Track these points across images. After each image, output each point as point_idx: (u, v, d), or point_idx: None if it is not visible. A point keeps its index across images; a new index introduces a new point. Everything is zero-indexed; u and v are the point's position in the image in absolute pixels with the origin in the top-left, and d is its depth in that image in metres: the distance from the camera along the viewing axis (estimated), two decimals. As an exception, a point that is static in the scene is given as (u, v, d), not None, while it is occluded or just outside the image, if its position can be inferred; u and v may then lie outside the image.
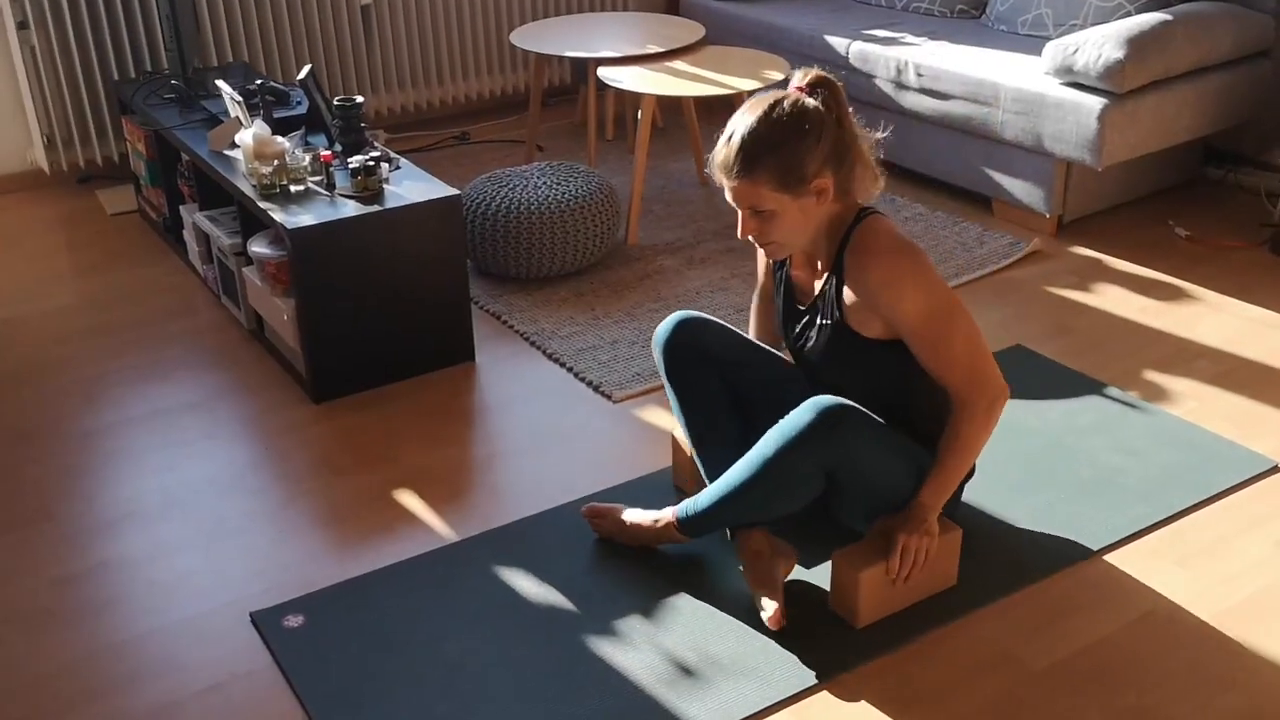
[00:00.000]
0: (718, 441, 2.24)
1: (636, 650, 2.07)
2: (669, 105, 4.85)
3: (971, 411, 2.02)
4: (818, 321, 2.12)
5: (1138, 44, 3.37)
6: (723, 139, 1.98)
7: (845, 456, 2.00)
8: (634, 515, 2.29)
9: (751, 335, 2.42)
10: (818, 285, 2.12)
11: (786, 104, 1.95)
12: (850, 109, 2.02)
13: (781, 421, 2.03)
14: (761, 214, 1.99)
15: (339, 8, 4.42)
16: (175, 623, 2.17)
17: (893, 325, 2.02)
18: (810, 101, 1.96)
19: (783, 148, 1.93)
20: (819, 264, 2.12)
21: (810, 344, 2.15)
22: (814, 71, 2.00)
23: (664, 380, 2.31)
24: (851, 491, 2.09)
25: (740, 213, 2.01)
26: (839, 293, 2.05)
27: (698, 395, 2.26)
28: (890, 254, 1.98)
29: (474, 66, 4.79)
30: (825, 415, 1.98)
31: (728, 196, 2.00)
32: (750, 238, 2.03)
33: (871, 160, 2.05)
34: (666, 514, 2.23)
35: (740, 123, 1.96)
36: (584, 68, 4.53)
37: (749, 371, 2.28)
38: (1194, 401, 2.78)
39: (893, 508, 2.11)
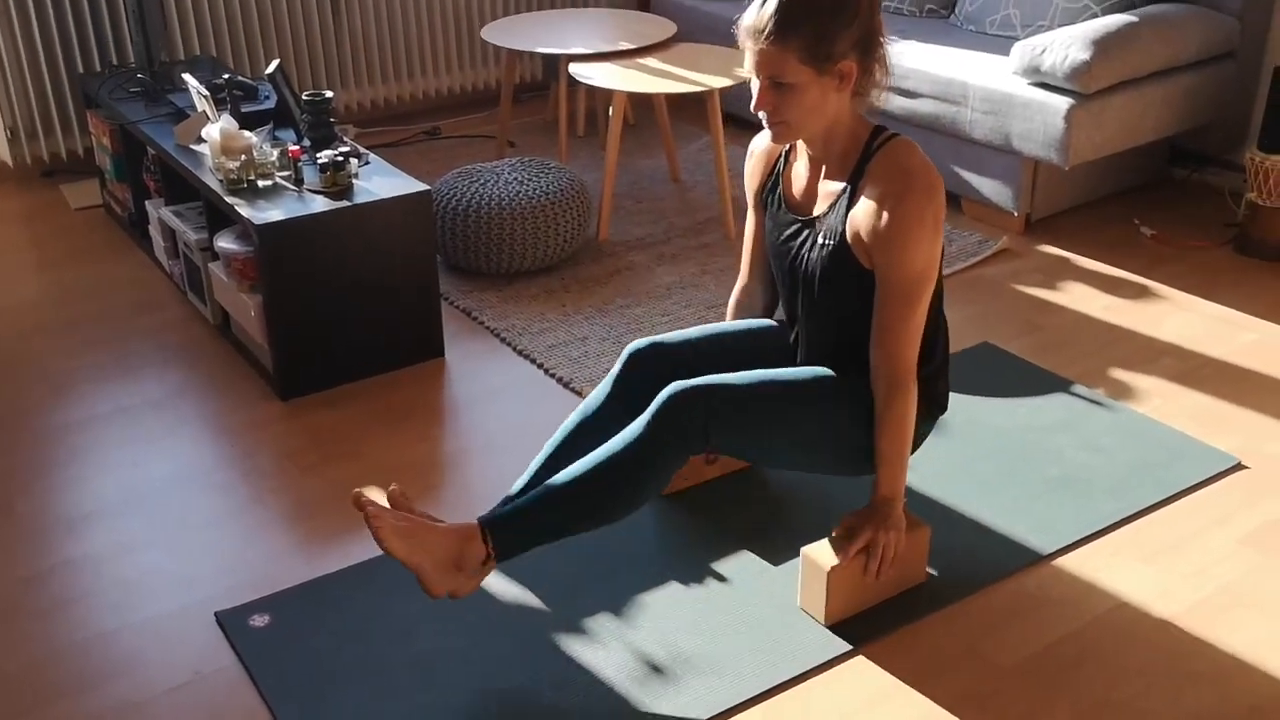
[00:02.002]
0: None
1: (605, 648, 2.07)
2: (640, 102, 4.85)
3: (906, 392, 2.01)
4: (818, 240, 2.07)
5: (1104, 45, 3.40)
6: (755, 4, 1.95)
7: (712, 433, 1.98)
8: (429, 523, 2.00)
9: (733, 303, 2.39)
10: (823, 197, 2.08)
11: None
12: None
13: (647, 412, 2.00)
14: (781, 87, 1.95)
15: (308, 1, 4.39)
16: (140, 621, 2.15)
17: (881, 266, 1.98)
18: None
19: (819, 18, 1.90)
20: (825, 170, 2.07)
21: (802, 260, 2.10)
22: None
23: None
24: (769, 454, 2.07)
25: (758, 84, 1.97)
26: (848, 209, 2.01)
27: None
28: (928, 194, 1.94)
29: (445, 61, 4.76)
30: (683, 394, 1.96)
31: (749, 64, 1.97)
32: (763, 113, 1.99)
33: (890, 66, 2.02)
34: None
35: None
36: (555, 64, 4.52)
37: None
38: (1159, 399, 2.80)
39: (826, 441, 2.08)
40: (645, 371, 2.19)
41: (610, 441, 2.01)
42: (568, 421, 2.20)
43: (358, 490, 1.92)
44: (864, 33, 1.95)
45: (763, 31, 1.92)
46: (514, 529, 1.97)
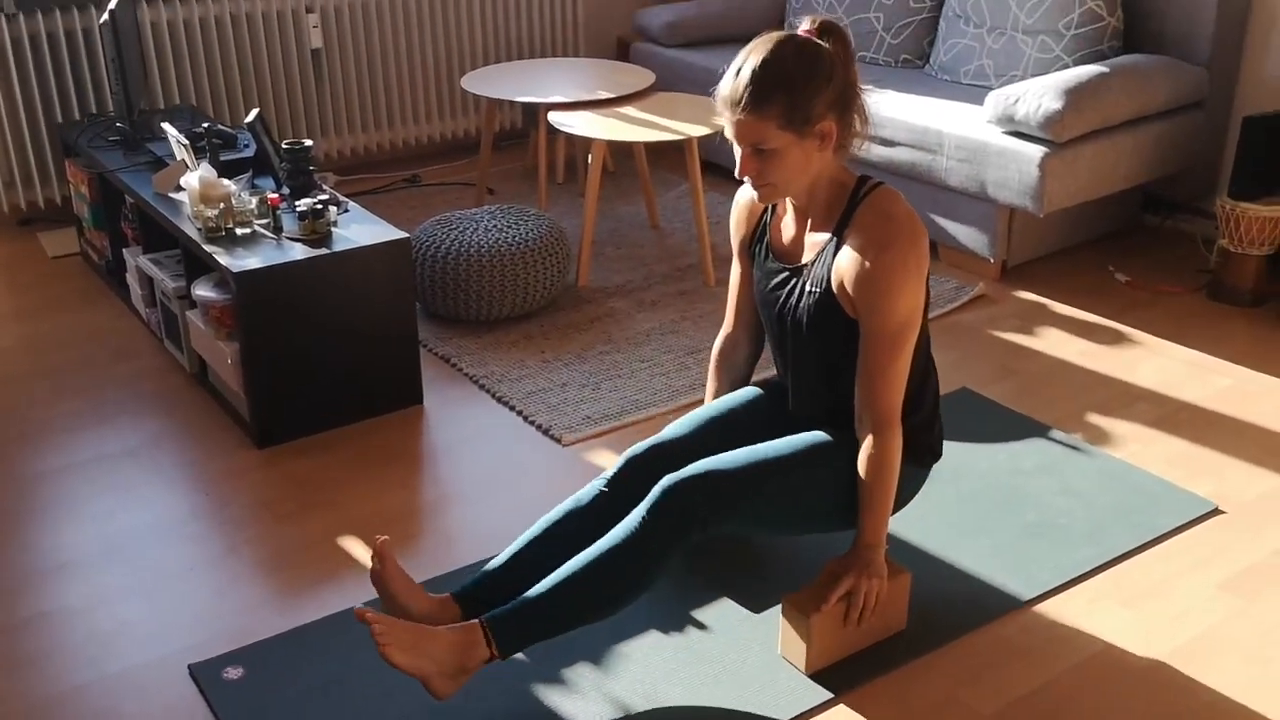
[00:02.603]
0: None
1: (585, 698, 2.05)
2: (619, 149, 4.89)
3: (890, 437, 2.01)
4: (806, 288, 2.07)
5: (1075, 95, 3.45)
6: (729, 74, 1.95)
7: (708, 523, 1.99)
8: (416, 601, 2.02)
9: (718, 350, 2.38)
10: (810, 247, 2.08)
11: (798, 42, 1.94)
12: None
13: (643, 505, 1.99)
14: (763, 153, 1.95)
15: (289, 50, 4.41)
16: (114, 674, 2.12)
17: (865, 313, 1.99)
18: (821, 43, 1.95)
19: (794, 84, 1.91)
20: (810, 221, 2.08)
21: (789, 308, 2.11)
22: (821, 17, 1.99)
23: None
24: (768, 529, 2.09)
25: (740, 151, 1.98)
26: (834, 258, 2.02)
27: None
28: (911, 243, 1.95)
29: (425, 110, 4.79)
30: (679, 487, 1.97)
31: (729, 132, 1.97)
32: (747, 178, 2.00)
33: (869, 116, 2.04)
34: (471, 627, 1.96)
35: (750, 58, 1.93)
36: (535, 112, 4.56)
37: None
38: (1135, 444, 2.82)
39: (824, 506, 2.09)
40: (644, 473, 2.15)
41: (608, 535, 1.99)
42: (556, 509, 2.15)
43: (360, 608, 1.90)
44: (840, 91, 1.96)
45: (739, 102, 1.93)
46: (517, 628, 1.95)
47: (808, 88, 1.91)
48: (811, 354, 2.12)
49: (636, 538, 1.96)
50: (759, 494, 2.03)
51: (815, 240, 2.08)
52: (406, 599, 2.02)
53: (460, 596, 2.06)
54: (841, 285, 2.01)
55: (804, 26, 1.98)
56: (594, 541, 2.08)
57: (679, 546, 1.98)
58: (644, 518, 1.98)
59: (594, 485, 2.16)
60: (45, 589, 2.35)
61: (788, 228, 2.14)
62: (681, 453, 2.17)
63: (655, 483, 2.11)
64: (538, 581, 2.04)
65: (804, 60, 1.92)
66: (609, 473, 2.17)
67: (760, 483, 2.03)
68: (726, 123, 1.97)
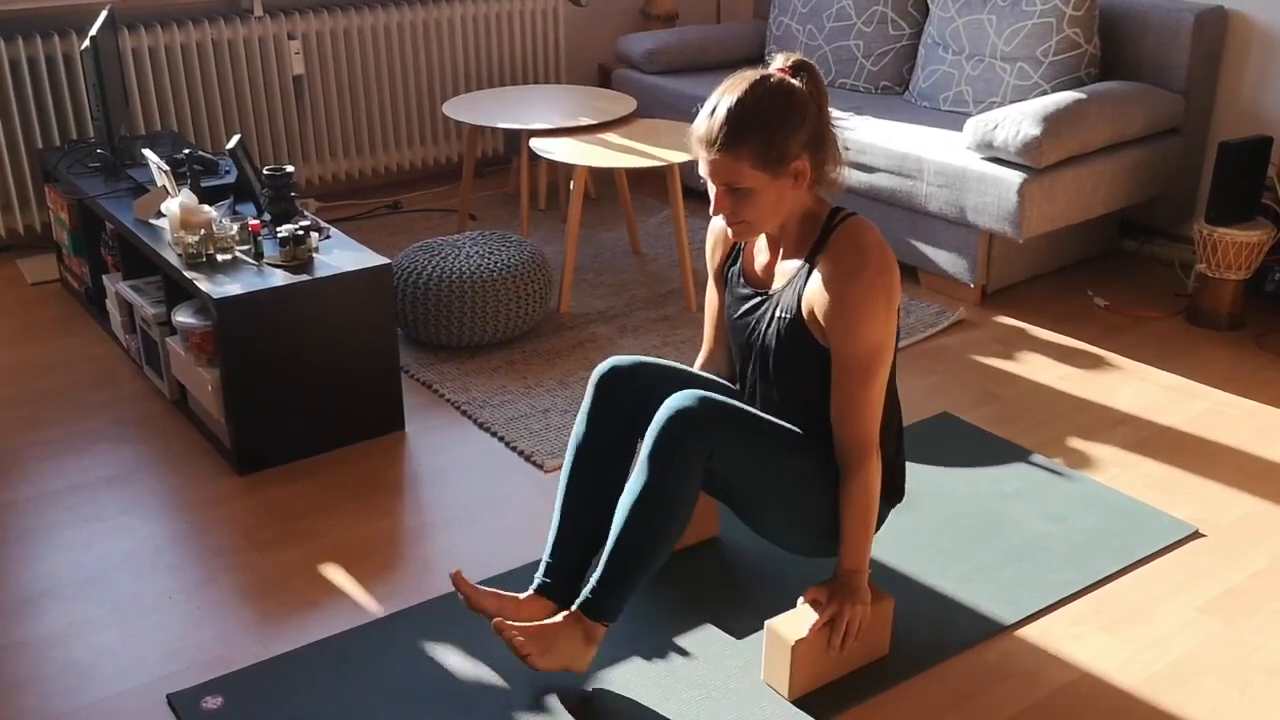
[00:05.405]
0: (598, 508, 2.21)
1: (568, 726, 2.04)
2: (601, 175, 4.90)
3: (868, 464, 2.02)
4: (776, 314, 2.08)
5: (1053, 121, 3.48)
6: (703, 113, 1.96)
7: (717, 441, 1.99)
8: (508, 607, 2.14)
9: (699, 367, 2.38)
10: (781, 274, 2.09)
11: (772, 82, 1.94)
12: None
13: (650, 427, 2.03)
14: (737, 192, 1.96)
15: (270, 77, 4.42)
16: (91, 704, 2.10)
17: (835, 341, 1.99)
18: (795, 83, 1.96)
19: (768, 124, 1.91)
20: (783, 250, 2.09)
21: (759, 334, 2.11)
22: (795, 56, 2.00)
23: (583, 420, 2.22)
24: (748, 491, 2.07)
25: (714, 189, 1.99)
26: (805, 285, 2.03)
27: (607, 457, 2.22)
28: (880, 271, 1.96)
29: (407, 136, 4.80)
30: (686, 401, 2.00)
31: (703, 171, 1.98)
32: (721, 216, 2.01)
33: (842, 154, 2.04)
34: (557, 616, 2.10)
35: (724, 98, 1.94)
36: (517, 138, 4.57)
37: None
38: (1116, 468, 2.83)
39: (802, 510, 2.09)
40: (621, 386, 2.19)
41: (634, 475, 2.03)
42: (565, 462, 2.22)
43: (500, 621, 2.02)
44: (813, 130, 1.97)
45: (714, 142, 1.93)
46: (607, 600, 2.05)
47: (782, 128, 1.92)
48: (780, 382, 2.12)
49: (658, 470, 1.99)
50: (755, 431, 2.03)
51: (787, 268, 2.09)
52: (507, 613, 2.13)
53: (544, 590, 2.17)
54: (812, 312, 2.01)
55: (777, 65, 1.99)
56: (614, 466, 2.18)
57: (699, 463, 2.00)
58: (657, 446, 1.99)
59: (581, 422, 2.21)
60: (21, 618, 2.33)
61: (760, 254, 2.15)
62: (649, 376, 2.21)
63: (634, 390, 2.18)
64: (596, 543, 2.17)
65: (778, 100, 1.93)
66: (587, 405, 2.21)
67: (753, 424, 2.04)
68: (701, 161, 1.98)
